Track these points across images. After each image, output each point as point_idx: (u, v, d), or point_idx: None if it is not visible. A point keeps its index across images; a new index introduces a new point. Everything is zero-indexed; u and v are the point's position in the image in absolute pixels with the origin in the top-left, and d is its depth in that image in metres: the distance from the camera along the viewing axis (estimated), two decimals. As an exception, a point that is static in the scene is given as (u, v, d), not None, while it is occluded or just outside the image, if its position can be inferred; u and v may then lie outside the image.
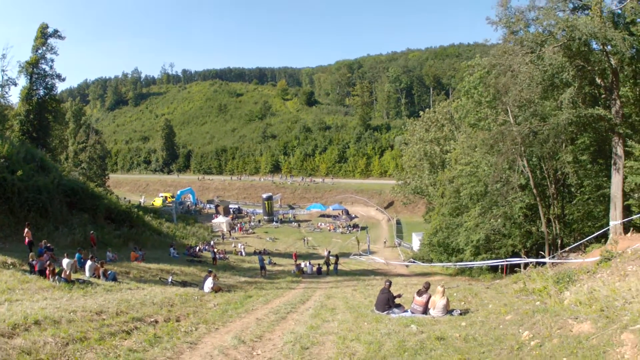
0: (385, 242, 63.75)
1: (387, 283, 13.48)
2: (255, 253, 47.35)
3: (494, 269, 27.80)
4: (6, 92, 49.22)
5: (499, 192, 25.74)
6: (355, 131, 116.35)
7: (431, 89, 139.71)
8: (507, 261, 23.83)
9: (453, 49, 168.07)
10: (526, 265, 21.20)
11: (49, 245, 21.11)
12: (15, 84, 50.77)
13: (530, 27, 22.32)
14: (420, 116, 65.62)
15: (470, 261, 28.43)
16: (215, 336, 9.89)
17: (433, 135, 58.61)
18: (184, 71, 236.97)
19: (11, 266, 17.11)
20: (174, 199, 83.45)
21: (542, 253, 24.80)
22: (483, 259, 27.41)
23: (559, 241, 24.88)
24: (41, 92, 53.21)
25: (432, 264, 35.97)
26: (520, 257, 25.85)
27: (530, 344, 7.36)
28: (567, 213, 27.12)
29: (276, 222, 77.81)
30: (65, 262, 16.98)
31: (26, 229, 21.48)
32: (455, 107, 49.61)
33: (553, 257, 22.77)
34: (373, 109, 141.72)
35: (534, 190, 25.25)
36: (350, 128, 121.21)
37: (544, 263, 19.88)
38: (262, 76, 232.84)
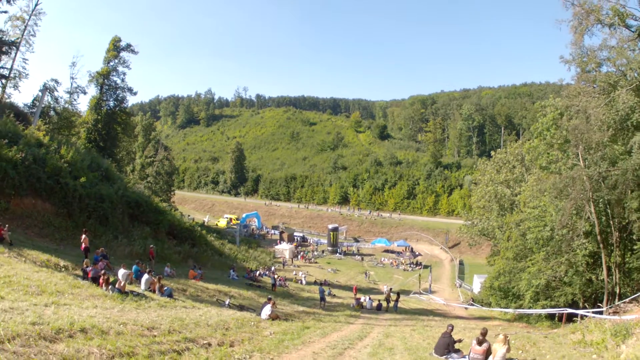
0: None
1: (450, 327, 13.48)
2: (315, 283, 47.65)
3: (551, 317, 26.51)
4: (74, 100, 49.95)
5: (564, 238, 24.73)
6: (425, 168, 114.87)
7: (502, 129, 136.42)
8: (565, 310, 22.81)
9: (525, 88, 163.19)
10: (583, 316, 20.27)
11: (105, 253, 21.53)
12: (85, 93, 51.59)
13: (602, 67, 21.88)
14: (491, 156, 64.06)
15: (529, 307, 27.31)
16: (270, 367, 9.40)
17: (504, 176, 57.01)
18: (258, 96, 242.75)
19: (63, 269, 17.17)
20: (239, 222, 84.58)
21: (600, 305, 23.46)
22: (543, 306, 26.26)
23: (617, 291, 23.55)
24: (111, 103, 54.86)
25: (491, 308, 34.83)
26: (578, 305, 24.70)
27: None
28: (627, 261, 25.62)
29: (340, 253, 77.60)
30: (121, 272, 16.94)
31: (83, 235, 21.88)
32: (527, 148, 48.43)
33: (611, 307, 21.61)
34: (444, 146, 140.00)
35: (598, 237, 23.99)
36: (421, 164, 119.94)
37: (601, 313, 19.03)
38: (335, 106, 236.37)
